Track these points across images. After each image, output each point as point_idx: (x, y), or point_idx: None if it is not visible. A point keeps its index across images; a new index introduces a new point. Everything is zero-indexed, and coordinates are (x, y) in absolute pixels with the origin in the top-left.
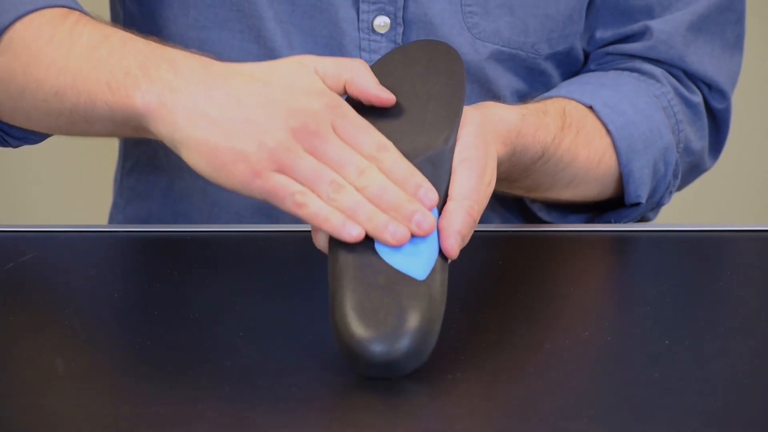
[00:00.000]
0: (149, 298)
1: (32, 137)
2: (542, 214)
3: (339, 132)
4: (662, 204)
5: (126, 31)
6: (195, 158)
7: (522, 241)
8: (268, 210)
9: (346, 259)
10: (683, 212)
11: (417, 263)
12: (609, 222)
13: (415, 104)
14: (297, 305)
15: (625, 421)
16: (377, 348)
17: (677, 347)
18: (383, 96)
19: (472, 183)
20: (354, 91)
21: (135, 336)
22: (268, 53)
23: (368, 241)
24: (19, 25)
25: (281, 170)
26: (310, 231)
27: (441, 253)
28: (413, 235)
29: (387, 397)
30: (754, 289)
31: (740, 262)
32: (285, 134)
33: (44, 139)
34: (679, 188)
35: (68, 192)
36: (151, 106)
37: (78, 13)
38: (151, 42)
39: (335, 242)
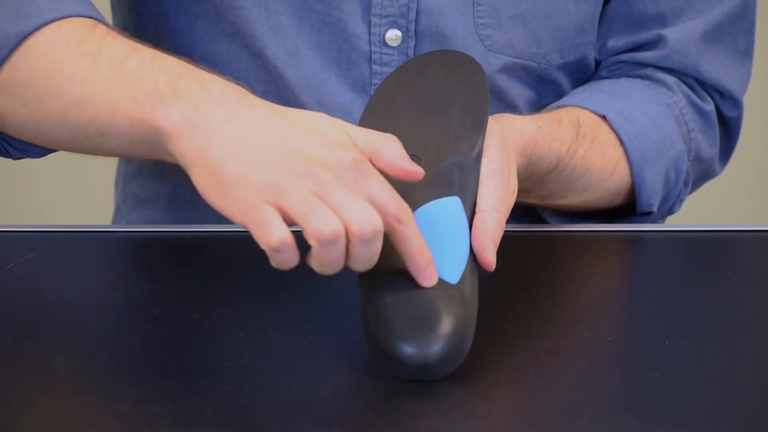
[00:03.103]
0: (149, 298)
1: (35, 150)
2: (553, 220)
3: (359, 190)
4: (673, 212)
5: (156, 48)
6: (200, 176)
7: (522, 241)
8: None
9: (378, 261)
10: (684, 212)
11: (449, 266)
12: None
13: (439, 111)
14: (297, 305)
15: (625, 421)
16: (413, 350)
17: (677, 347)
18: (411, 169)
19: (500, 194)
20: (380, 164)
21: (135, 336)
22: (271, 69)
23: None
24: (44, 31)
25: (276, 204)
26: None
27: (470, 258)
28: (442, 237)
29: (387, 397)
30: (754, 289)
31: (740, 262)
32: (296, 176)
33: (46, 154)
34: (688, 195)
35: (69, 192)
36: (172, 124)
37: (105, 26)
38: (183, 61)
39: None
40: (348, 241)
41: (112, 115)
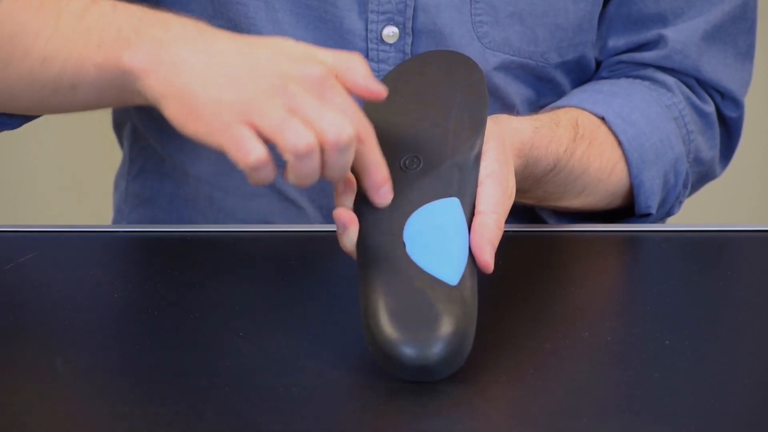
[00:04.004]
0: (149, 298)
1: (9, 122)
2: (552, 221)
3: (328, 103)
4: (672, 214)
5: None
6: (172, 107)
7: (521, 241)
8: (272, 218)
9: (377, 262)
10: (684, 212)
11: (449, 268)
12: None
13: (438, 112)
14: (297, 305)
15: (625, 421)
16: (413, 352)
17: (677, 347)
18: (374, 89)
19: (498, 196)
20: (346, 82)
21: (135, 336)
22: None
23: (399, 245)
24: None
25: (250, 122)
26: (312, 232)
27: (469, 259)
28: (441, 238)
29: (387, 398)
30: (754, 289)
31: (740, 262)
32: (267, 93)
33: (22, 124)
34: (688, 196)
35: (69, 192)
36: (138, 62)
37: None
38: (144, 7)
39: (365, 245)
40: (322, 151)
41: (79, 66)
